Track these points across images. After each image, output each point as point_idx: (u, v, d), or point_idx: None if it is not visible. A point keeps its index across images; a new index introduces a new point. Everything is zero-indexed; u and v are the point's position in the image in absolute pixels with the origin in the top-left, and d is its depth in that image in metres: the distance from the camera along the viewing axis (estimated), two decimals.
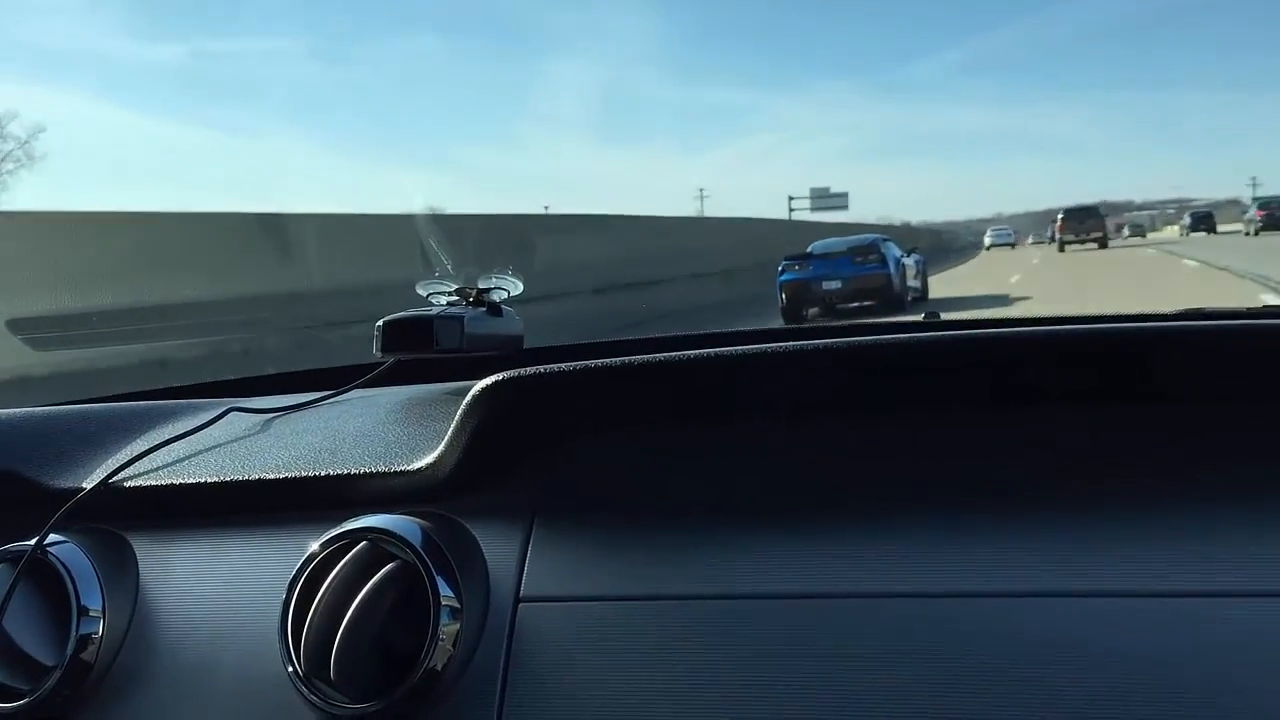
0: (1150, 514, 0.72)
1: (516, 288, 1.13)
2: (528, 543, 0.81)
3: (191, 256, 8.87)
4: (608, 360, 0.82)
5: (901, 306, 14.76)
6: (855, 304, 15.11)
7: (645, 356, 0.82)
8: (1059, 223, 44.09)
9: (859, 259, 15.07)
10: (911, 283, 15.98)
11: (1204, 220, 59.86)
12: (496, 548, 0.81)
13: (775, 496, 0.79)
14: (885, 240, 16.37)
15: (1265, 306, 2.69)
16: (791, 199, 61.06)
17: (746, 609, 0.74)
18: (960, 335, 0.81)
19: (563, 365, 0.82)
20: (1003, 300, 14.94)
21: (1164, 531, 0.71)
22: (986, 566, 0.72)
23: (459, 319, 1.06)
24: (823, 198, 60.77)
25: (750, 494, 0.80)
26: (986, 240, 67.41)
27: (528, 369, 0.82)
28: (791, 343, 0.80)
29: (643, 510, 0.81)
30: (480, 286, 1.12)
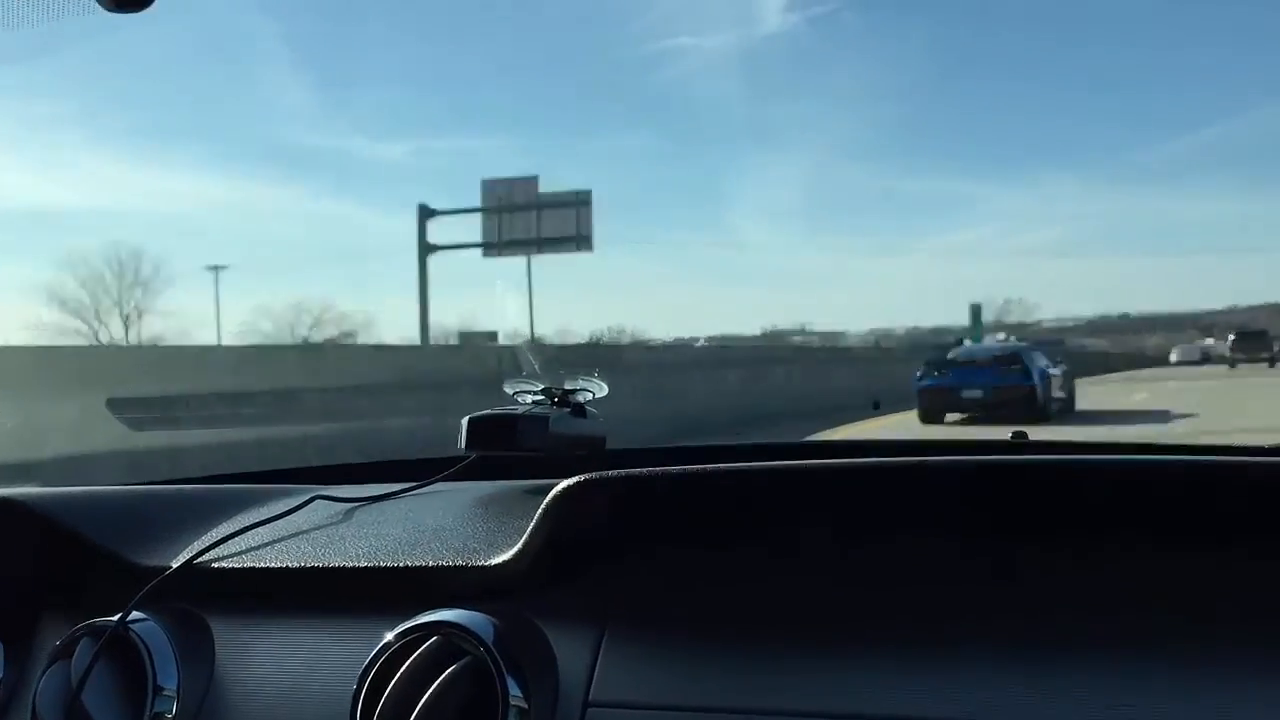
0: None
1: (602, 390, 1.14)
2: (599, 646, 0.80)
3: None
4: (688, 468, 0.82)
5: (1045, 418, 14.13)
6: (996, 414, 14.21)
7: (723, 465, 0.81)
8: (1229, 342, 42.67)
9: (1003, 368, 14.77)
10: (1057, 393, 15.54)
11: None
12: (568, 649, 0.80)
13: (858, 613, 0.77)
14: (1031, 349, 16.12)
15: None
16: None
17: None
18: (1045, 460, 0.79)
19: (644, 470, 0.82)
20: (1162, 416, 14.48)
21: None
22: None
23: (544, 419, 1.07)
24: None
25: (831, 609, 0.78)
26: (1173, 357, 55.46)
27: (609, 473, 0.82)
28: (848, 460, 0.80)
29: (717, 619, 0.80)
30: (566, 388, 1.13)
